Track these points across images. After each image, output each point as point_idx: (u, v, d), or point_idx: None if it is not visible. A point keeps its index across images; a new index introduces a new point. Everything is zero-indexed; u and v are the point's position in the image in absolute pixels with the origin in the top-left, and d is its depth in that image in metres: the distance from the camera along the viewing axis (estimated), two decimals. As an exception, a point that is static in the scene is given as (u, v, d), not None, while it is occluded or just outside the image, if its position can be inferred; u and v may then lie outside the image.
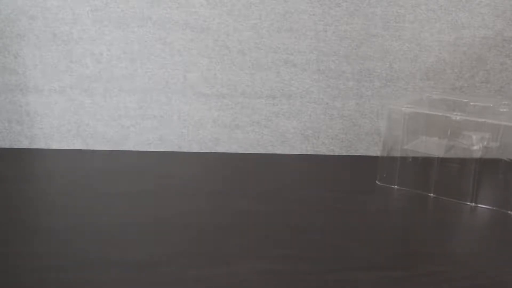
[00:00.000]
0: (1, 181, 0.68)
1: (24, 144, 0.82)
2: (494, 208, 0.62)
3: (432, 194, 0.66)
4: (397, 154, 0.69)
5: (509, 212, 0.61)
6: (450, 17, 0.80)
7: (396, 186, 0.68)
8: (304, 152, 0.83)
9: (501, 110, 0.67)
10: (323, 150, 0.85)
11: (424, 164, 0.68)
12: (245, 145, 0.83)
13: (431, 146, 0.67)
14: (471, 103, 0.70)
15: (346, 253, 0.50)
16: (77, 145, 0.81)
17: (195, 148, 0.83)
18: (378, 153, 0.73)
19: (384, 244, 0.52)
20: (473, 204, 0.63)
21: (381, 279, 0.46)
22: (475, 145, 0.64)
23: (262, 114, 0.82)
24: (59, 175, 0.66)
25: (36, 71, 0.79)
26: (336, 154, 0.85)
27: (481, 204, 0.63)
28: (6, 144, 0.82)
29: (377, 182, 0.70)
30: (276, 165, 0.77)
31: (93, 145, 0.81)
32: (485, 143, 0.63)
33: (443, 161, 0.66)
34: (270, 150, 0.84)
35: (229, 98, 0.81)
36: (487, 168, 0.63)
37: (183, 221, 0.56)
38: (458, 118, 0.64)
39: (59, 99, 0.80)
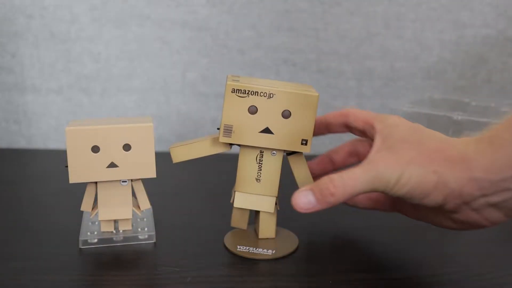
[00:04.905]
0: (-2, 181, 0.67)
1: (22, 144, 0.82)
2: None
3: (433, 195, 0.65)
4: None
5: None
6: (452, 16, 0.79)
7: (397, 187, 0.68)
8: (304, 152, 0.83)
9: (503, 110, 0.67)
10: (323, 150, 0.84)
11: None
12: (245, 145, 0.83)
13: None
14: (473, 103, 0.69)
15: (346, 254, 0.50)
16: (75, 145, 0.80)
17: (194, 148, 0.83)
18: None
19: (385, 245, 0.52)
20: (475, 205, 0.63)
21: (382, 281, 0.45)
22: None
23: (261, 114, 0.82)
24: (56, 175, 0.66)
25: (33, 70, 0.79)
26: (336, 154, 0.84)
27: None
28: (3, 144, 0.81)
29: (377, 182, 0.69)
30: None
31: (91, 145, 0.81)
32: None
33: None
34: (269, 150, 0.83)
35: (228, 98, 0.81)
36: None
37: (182, 222, 0.56)
38: (459, 118, 0.63)
39: (57, 99, 0.80)
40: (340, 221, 0.57)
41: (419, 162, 0.39)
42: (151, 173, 0.48)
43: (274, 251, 0.49)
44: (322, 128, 0.51)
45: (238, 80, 0.46)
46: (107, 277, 0.45)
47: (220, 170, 0.66)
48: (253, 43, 0.79)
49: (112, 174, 0.47)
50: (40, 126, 0.81)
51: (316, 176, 0.50)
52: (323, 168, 0.52)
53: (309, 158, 0.50)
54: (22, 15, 0.76)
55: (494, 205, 0.39)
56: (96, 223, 0.52)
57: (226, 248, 0.50)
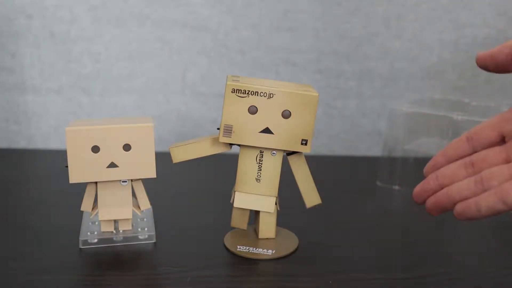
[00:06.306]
0: (-2, 181, 0.67)
1: (22, 144, 0.81)
2: (496, 209, 0.61)
3: (433, 195, 0.65)
4: (398, 154, 0.68)
5: (510, 212, 0.61)
6: (452, 16, 0.79)
7: (396, 187, 0.68)
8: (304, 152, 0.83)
9: (503, 110, 0.66)
10: (323, 150, 0.84)
11: (425, 164, 0.67)
12: (245, 145, 0.83)
13: (432, 147, 0.67)
14: (473, 103, 0.69)
15: (346, 254, 0.50)
16: (75, 145, 0.80)
17: (194, 148, 0.83)
18: (379, 153, 0.72)
19: (385, 245, 0.52)
20: (475, 205, 0.63)
21: (381, 281, 0.45)
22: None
23: (261, 114, 0.82)
24: (56, 175, 0.66)
25: (33, 71, 0.78)
26: (336, 154, 0.84)
27: (483, 205, 0.62)
28: (3, 144, 0.81)
29: (377, 182, 0.69)
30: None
31: (91, 145, 0.81)
32: (487, 143, 0.63)
33: (444, 161, 0.65)
34: (269, 150, 0.83)
35: (228, 98, 0.81)
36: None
37: (182, 222, 0.56)
38: (459, 118, 0.63)
39: (57, 99, 0.80)
40: (340, 221, 0.57)
41: None
42: (151, 173, 0.48)
43: (274, 251, 0.49)
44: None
45: (238, 80, 0.46)
46: (107, 277, 0.45)
47: (220, 170, 0.66)
48: (253, 43, 0.79)
49: (112, 174, 0.47)
50: (40, 126, 0.81)
51: (451, 162, 0.42)
52: (458, 152, 0.43)
53: (309, 158, 0.50)
54: (22, 15, 0.76)
55: None
56: (96, 223, 0.52)
57: (226, 248, 0.50)
